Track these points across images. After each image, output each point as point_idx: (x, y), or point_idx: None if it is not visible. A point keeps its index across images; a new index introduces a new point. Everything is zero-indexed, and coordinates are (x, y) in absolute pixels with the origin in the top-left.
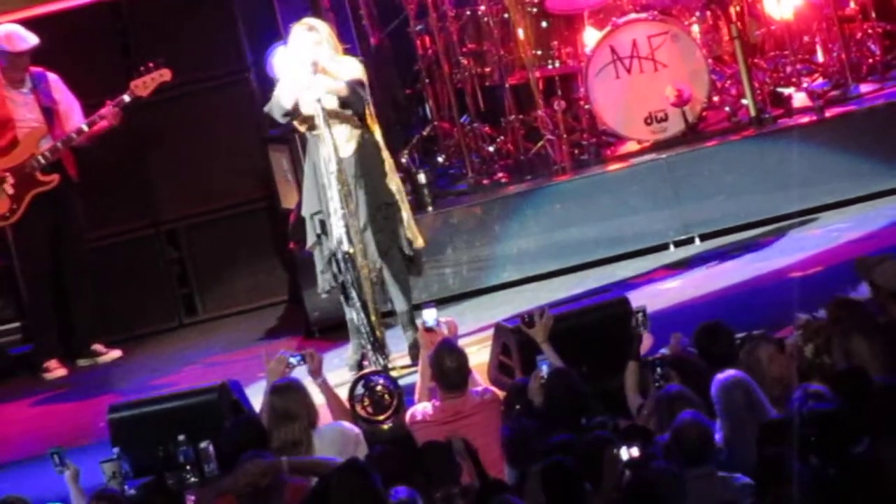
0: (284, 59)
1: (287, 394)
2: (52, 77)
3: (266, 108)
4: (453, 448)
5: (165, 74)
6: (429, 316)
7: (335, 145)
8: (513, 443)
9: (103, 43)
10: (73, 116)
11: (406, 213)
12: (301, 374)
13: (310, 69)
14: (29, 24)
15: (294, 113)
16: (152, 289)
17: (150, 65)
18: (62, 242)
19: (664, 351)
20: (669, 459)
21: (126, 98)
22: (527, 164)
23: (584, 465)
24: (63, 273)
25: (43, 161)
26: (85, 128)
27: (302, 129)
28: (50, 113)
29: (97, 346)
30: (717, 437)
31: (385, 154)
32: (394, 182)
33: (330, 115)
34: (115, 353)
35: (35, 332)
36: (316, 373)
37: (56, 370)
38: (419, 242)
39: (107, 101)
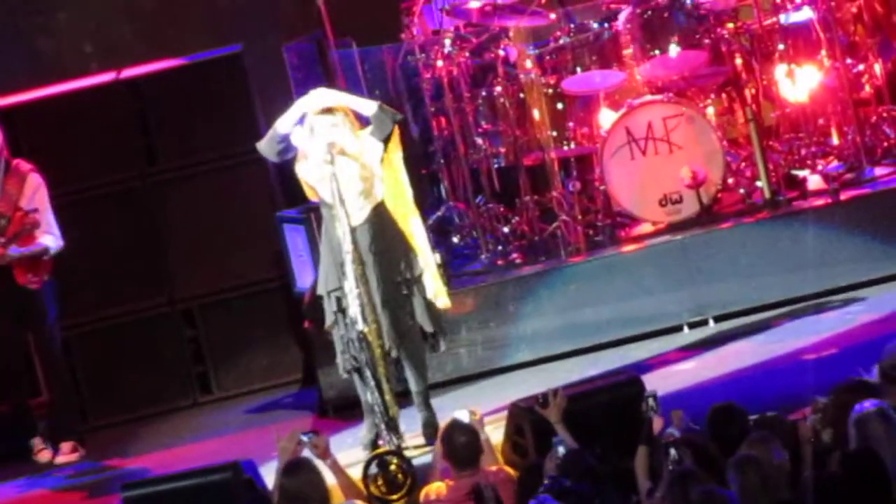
0: (300, 137)
1: (299, 474)
2: None
3: (258, 146)
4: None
5: None
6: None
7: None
8: None
9: (122, 121)
10: None
11: (432, 282)
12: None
13: (326, 152)
14: (46, 102)
15: (289, 143)
16: (167, 367)
17: None
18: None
19: (671, 430)
20: None
21: None
22: (541, 245)
23: None
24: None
25: None
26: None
27: (304, 178)
28: None
29: (64, 445)
30: None
31: (413, 216)
32: (420, 252)
33: (342, 154)
34: (73, 456)
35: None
36: (324, 455)
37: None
38: (446, 304)
39: None
